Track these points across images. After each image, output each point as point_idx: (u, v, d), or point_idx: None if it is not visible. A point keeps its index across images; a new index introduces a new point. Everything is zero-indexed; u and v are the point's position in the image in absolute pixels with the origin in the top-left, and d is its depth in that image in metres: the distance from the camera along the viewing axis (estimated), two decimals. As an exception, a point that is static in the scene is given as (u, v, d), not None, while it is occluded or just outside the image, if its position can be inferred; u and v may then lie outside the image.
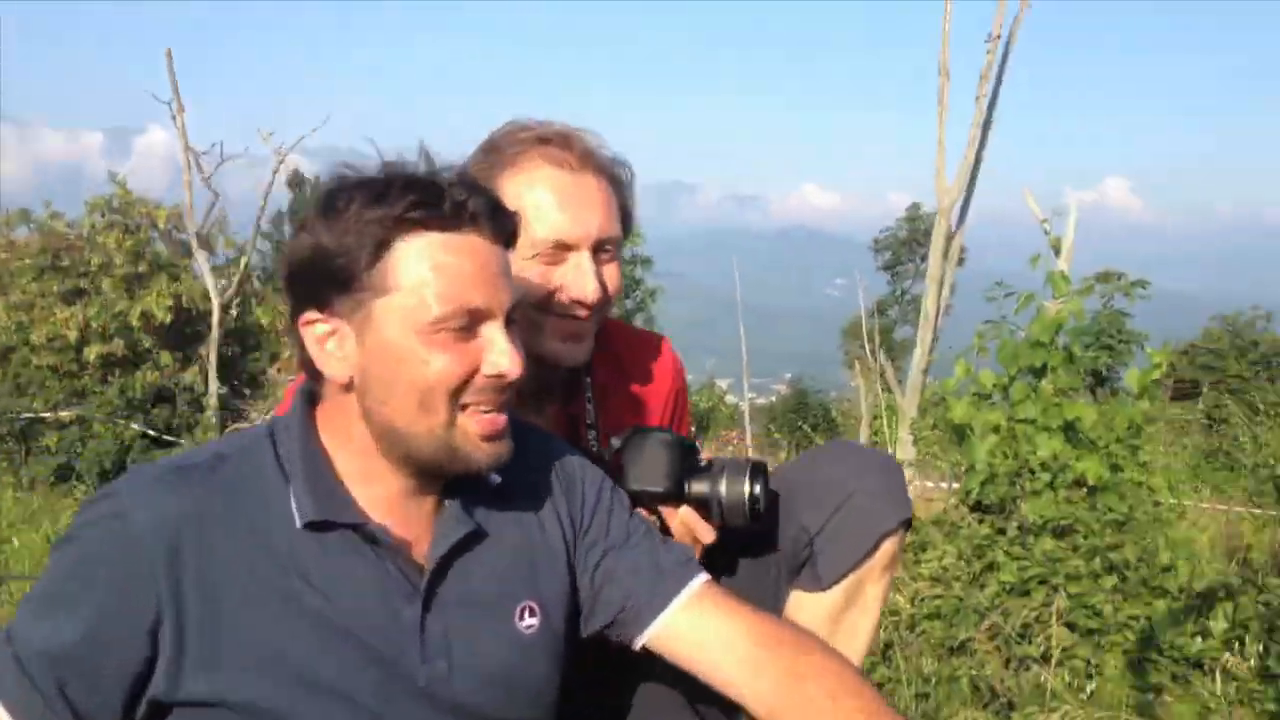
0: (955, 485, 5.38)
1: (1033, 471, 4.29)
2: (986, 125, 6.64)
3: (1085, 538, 4.04)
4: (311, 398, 1.34)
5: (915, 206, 38.40)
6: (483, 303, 1.25)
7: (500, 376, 1.26)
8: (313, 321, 1.26)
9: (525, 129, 1.67)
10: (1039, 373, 4.47)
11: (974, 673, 3.73)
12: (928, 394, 6.86)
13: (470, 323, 1.25)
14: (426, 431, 1.25)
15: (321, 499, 1.26)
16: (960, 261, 7.64)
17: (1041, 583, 3.93)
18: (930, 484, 5.99)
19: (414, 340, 1.22)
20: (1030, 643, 3.82)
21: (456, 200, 1.24)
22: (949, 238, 6.92)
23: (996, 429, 4.47)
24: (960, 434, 4.58)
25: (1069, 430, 4.31)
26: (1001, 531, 4.20)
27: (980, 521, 4.32)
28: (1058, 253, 5.22)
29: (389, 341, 1.23)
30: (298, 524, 1.25)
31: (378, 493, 1.30)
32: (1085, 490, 4.27)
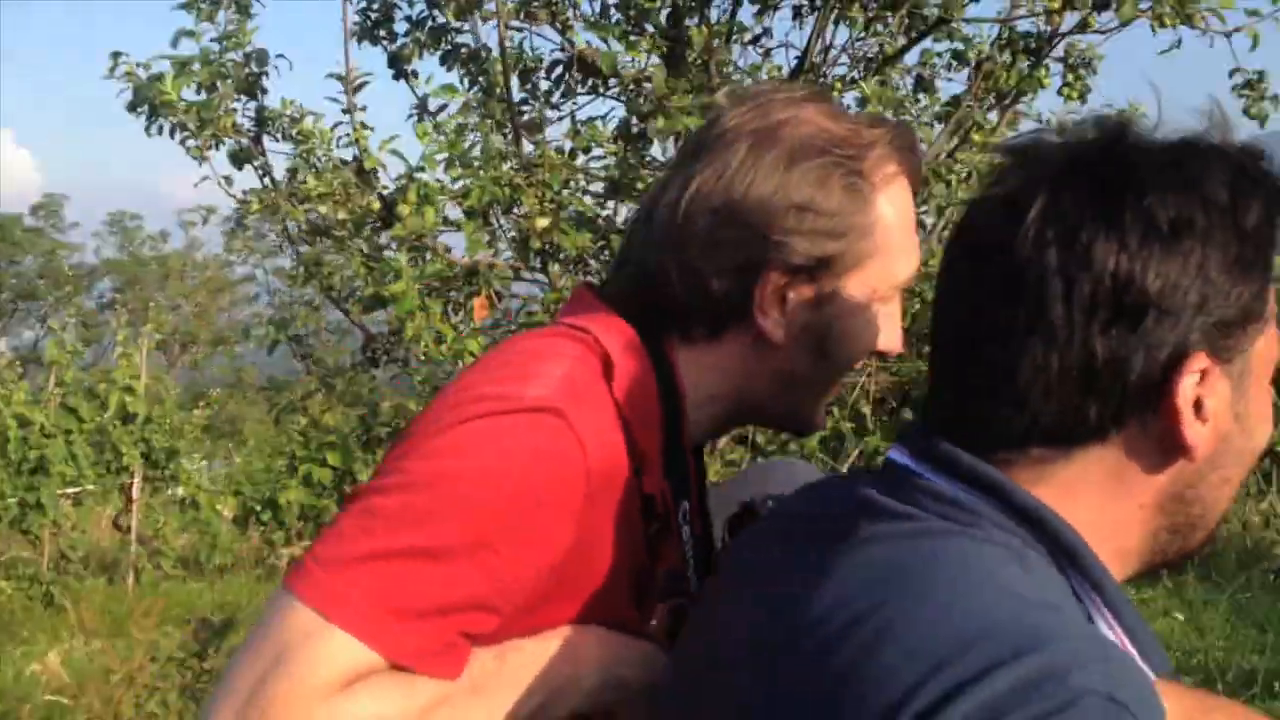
0: None
1: None
2: None
3: None
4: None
5: None
6: None
7: None
8: (1196, 371, 0.81)
9: (850, 116, 1.14)
10: None
11: None
12: None
13: None
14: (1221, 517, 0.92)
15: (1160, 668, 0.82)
16: None
17: None
18: None
19: (1267, 386, 0.90)
20: None
21: None
22: None
23: None
24: None
25: None
26: None
27: None
28: None
29: (1261, 389, 0.87)
30: None
31: None
32: None
